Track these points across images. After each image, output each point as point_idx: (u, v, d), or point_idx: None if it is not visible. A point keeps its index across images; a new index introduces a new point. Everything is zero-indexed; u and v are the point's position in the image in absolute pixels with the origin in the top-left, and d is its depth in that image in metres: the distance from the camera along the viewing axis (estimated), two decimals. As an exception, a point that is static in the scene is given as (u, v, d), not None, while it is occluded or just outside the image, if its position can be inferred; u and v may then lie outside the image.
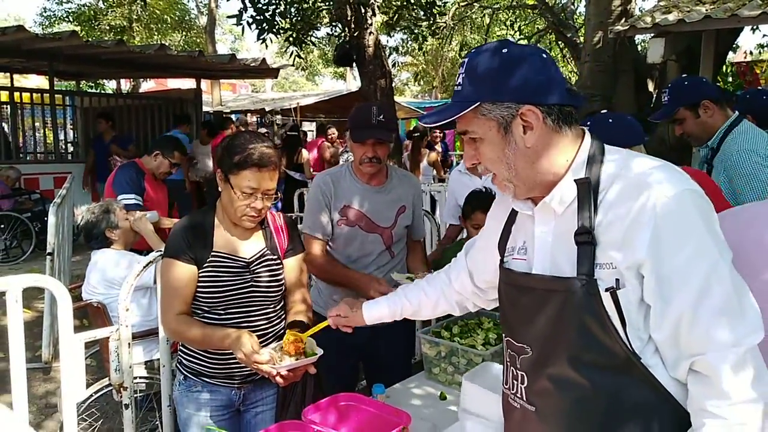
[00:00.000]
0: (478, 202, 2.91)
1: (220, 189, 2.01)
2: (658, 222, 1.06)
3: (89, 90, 14.82)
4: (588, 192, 1.14)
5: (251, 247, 2.06)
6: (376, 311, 1.75)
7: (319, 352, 1.84)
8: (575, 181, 1.16)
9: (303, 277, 2.18)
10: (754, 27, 8.90)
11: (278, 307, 2.12)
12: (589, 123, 2.05)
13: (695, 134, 2.67)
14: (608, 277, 1.10)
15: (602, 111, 2.28)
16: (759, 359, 1.05)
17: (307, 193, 6.57)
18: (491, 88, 1.15)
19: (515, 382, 1.27)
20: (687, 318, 1.05)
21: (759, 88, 6.67)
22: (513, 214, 1.34)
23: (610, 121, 2.09)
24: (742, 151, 2.46)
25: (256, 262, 2.04)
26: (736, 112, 2.63)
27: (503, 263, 1.33)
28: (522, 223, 1.31)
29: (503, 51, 1.16)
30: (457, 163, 8.49)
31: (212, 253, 2.00)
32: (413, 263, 2.64)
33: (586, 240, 1.11)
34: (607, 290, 1.09)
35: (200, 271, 1.98)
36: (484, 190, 3.04)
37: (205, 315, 2.01)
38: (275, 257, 2.08)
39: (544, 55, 1.19)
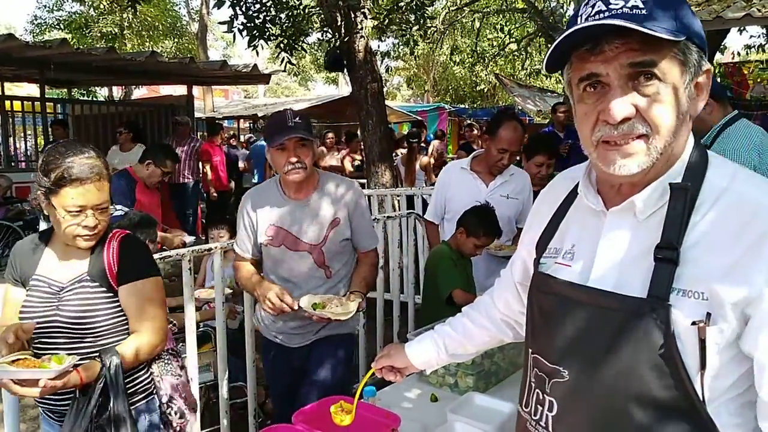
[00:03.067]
0: (492, 228, 2.94)
1: (45, 212, 1.82)
2: None
3: (81, 98, 14.79)
4: (684, 201, 0.94)
5: (70, 270, 1.83)
6: (421, 348, 1.51)
7: (57, 367, 1.59)
8: (670, 185, 0.96)
9: (149, 308, 1.86)
10: (741, 28, 8.98)
11: (100, 343, 1.80)
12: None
13: (693, 129, 2.68)
14: (694, 308, 0.90)
15: None
16: None
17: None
18: (696, 29, 0.94)
19: (540, 408, 1.07)
20: None
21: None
22: (562, 210, 1.14)
23: None
24: (727, 151, 2.48)
25: (68, 289, 1.80)
26: (735, 111, 2.63)
27: (539, 265, 1.13)
28: (577, 223, 1.10)
29: None
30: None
31: (33, 276, 1.83)
32: (354, 278, 2.45)
33: (668, 257, 0.92)
34: (693, 324, 0.89)
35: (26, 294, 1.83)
36: (485, 203, 3.06)
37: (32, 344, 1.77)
38: (97, 284, 1.80)
39: None
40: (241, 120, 18.35)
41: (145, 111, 9.98)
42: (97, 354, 1.74)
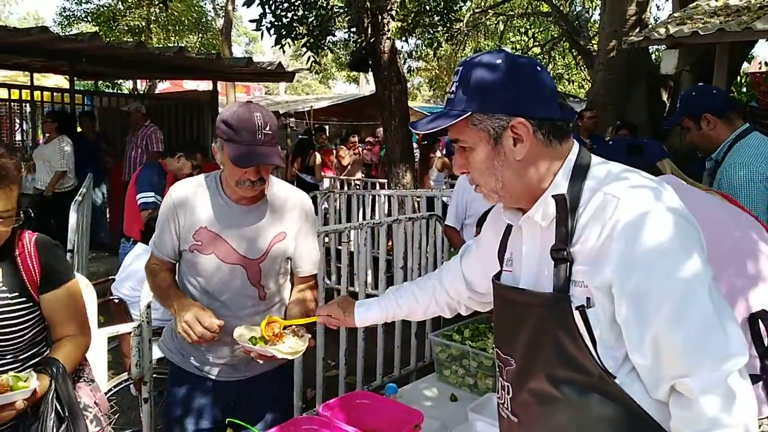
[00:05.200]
0: None
1: None
2: (630, 240, 1.04)
3: (106, 90, 15.02)
4: (564, 208, 1.12)
5: None
6: (369, 315, 1.71)
7: (33, 385, 1.54)
8: (553, 197, 1.15)
9: (76, 309, 1.79)
10: (770, 38, 8.87)
11: (21, 357, 1.70)
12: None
13: (700, 145, 2.69)
14: (581, 295, 1.09)
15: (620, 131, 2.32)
16: (741, 384, 1.02)
17: (320, 197, 6.68)
18: (483, 99, 1.14)
19: (503, 393, 1.28)
20: (663, 340, 1.03)
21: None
22: (510, 225, 1.33)
23: (645, 141, 2.10)
24: (735, 165, 2.45)
25: None
26: (747, 124, 2.60)
27: (497, 276, 1.34)
28: (514, 235, 1.31)
29: (497, 62, 1.15)
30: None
31: None
32: (291, 308, 2.03)
33: (561, 257, 1.11)
34: (577, 308, 1.09)
35: None
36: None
37: None
38: (14, 295, 1.66)
39: (539, 68, 1.18)
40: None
41: (170, 105, 10.11)
42: (40, 366, 1.65)
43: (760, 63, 15.58)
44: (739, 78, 8.85)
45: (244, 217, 1.96)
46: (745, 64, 10.41)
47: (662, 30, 5.79)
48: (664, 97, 8.36)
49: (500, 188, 1.19)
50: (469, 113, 1.15)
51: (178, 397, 2.06)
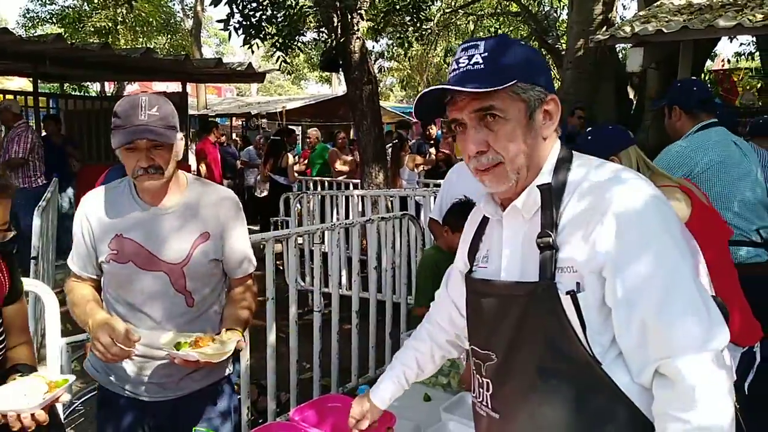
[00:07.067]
0: (466, 213, 2.94)
1: None
2: (620, 225, 1.07)
3: (73, 93, 14.70)
4: (549, 197, 1.15)
5: None
6: (382, 388, 1.61)
7: (71, 379, 1.55)
8: (537, 186, 1.17)
9: (26, 320, 1.77)
10: (731, 36, 9.10)
11: None
12: (590, 136, 2.24)
13: (668, 132, 2.89)
14: (569, 280, 1.11)
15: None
16: (724, 364, 1.05)
17: (293, 198, 6.63)
18: (528, 70, 1.15)
19: (481, 390, 1.27)
20: (651, 321, 1.05)
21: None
22: (482, 226, 1.35)
23: (610, 128, 2.29)
24: (671, 151, 2.66)
25: None
26: (712, 120, 2.71)
27: (471, 273, 1.32)
28: (490, 231, 1.31)
29: (522, 43, 1.20)
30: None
31: None
32: (228, 311, 1.93)
33: (547, 244, 1.12)
34: (567, 293, 1.10)
35: None
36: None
37: None
38: None
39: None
40: (234, 118, 18.33)
41: (138, 107, 9.92)
42: (19, 372, 1.61)
43: (723, 61, 16.00)
44: (703, 75, 9.06)
45: (161, 220, 1.83)
46: (709, 62, 10.66)
47: (627, 28, 5.88)
48: (631, 94, 8.51)
49: (523, 166, 1.17)
50: (515, 81, 1.12)
51: (105, 422, 1.92)
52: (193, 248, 1.84)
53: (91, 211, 1.85)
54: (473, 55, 1.15)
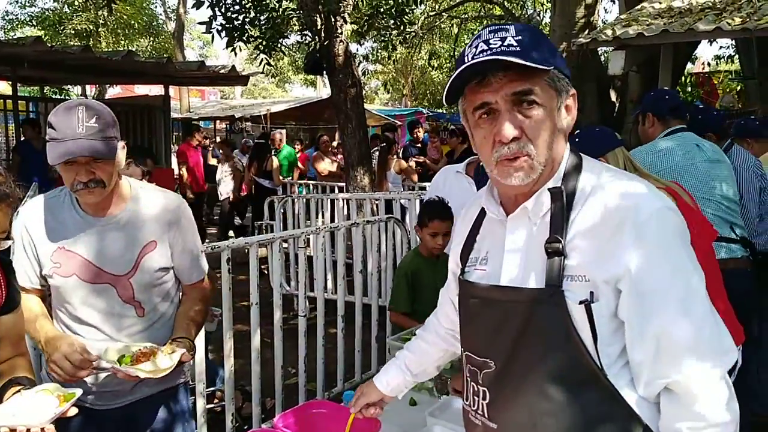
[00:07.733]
0: (435, 211, 2.94)
1: None
2: (639, 238, 1.04)
3: (53, 96, 14.52)
4: (561, 202, 1.11)
5: None
6: (387, 374, 1.61)
7: (78, 392, 1.47)
8: (549, 190, 1.12)
9: (23, 332, 1.67)
10: (711, 40, 9.23)
11: None
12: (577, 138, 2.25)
13: (641, 138, 3.03)
14: (580, 289, 1.07)
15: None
16: (728, 379, 1.05)
17: (277, 201, 6.59)
18: (559, 59, 1.11)
19: (476, 398, 1.21)
20: (666, 336, 1.03)
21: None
22: (477, 224, 1.29)
23: (597, 129, 2.35)
24: (637, 152, 2.74)
25: None
26: (681, 125, 2.84)
27: (464, 275, 1.27)
28: (489, 233, 1.25)
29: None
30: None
31: None
32: (178, 320, 1.90)
33: (556, 250, 1.08)
34: (581, 303, 1.06)
35: None
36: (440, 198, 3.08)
37: None
38: None
39: None
40: (218, 121, 18.22)
41: (119, 111, 9.83)
42: (21, 386, 1.54)
43: (703, 64, 16.23)
44: (683, 78, 9.17)
45: (104, 231, 1.77)
46: (689, 65, 10.80)
47: (609, 32, 5.93)
48: (613, 97, 8.58)
49: (549, 161, 1.12)
50: (553, 67, 1.08)
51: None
52: (140, 258, 1.79)
53: (31, 223, 1.78)
54: (505, 38, 1.07)
